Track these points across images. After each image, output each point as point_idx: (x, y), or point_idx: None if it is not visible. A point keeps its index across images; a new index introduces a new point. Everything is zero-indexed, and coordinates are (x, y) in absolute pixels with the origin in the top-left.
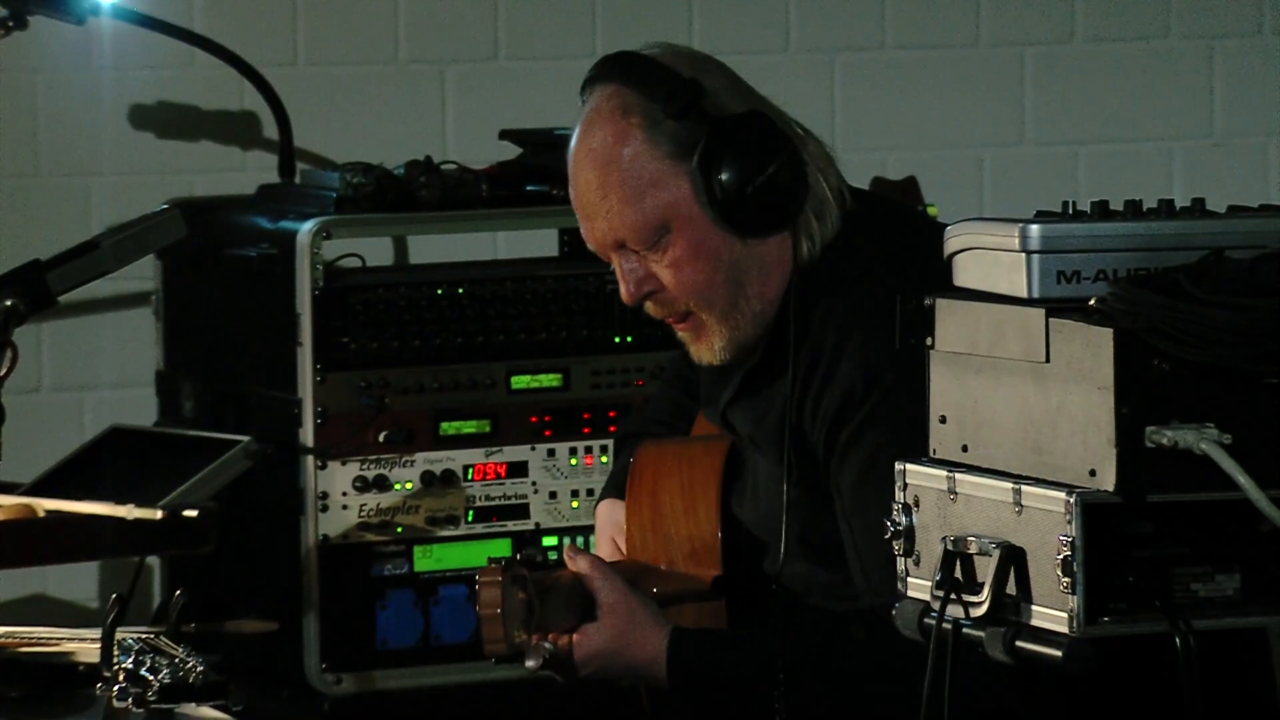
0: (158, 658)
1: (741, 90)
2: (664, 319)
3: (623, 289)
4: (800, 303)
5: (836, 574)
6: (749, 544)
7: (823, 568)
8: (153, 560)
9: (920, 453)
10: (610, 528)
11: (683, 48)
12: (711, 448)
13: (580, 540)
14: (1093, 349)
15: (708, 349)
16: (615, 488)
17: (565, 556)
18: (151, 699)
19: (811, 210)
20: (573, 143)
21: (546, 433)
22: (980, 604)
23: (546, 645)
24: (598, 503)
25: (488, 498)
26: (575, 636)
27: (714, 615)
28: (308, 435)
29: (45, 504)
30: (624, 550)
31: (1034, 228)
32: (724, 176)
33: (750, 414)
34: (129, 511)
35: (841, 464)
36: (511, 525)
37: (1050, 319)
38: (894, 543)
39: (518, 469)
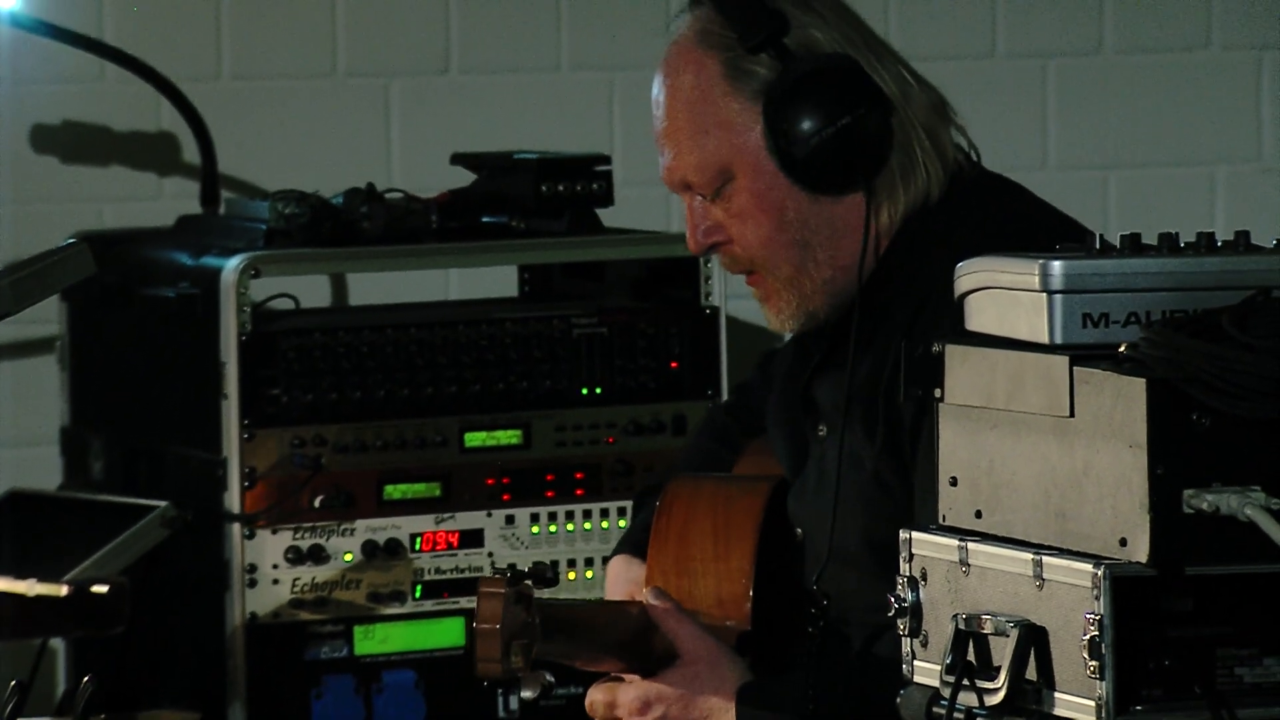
0: None
1: (848, 34)
2: (735, 274)
3: (689, 235)
4: (902, 252)
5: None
6: (793, 583)
7: (882, 579)
8: (57, 642)
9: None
10: (626, 585)
11: None
12: (752, 488)
13: None
14: (1124, 402)
15: (775, 314)
16: (632, 545)
17: (647, 597)
18: None
19: (897, 171)
20: (656, 71)
21: (504, 497)
22: (996, 691)
23: (549, 677)
24: (610, 557)
25: (438, 571)
26: (639, 678)
27: None
28: (233, 500)
29: None
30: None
31: (1057, 264)
32: (791, 123)
33: (837, 385)
34: (29, 587)
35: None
36: (465, 602)
37: (1075, 368)
38: (899, 621)
39: (472, 538)
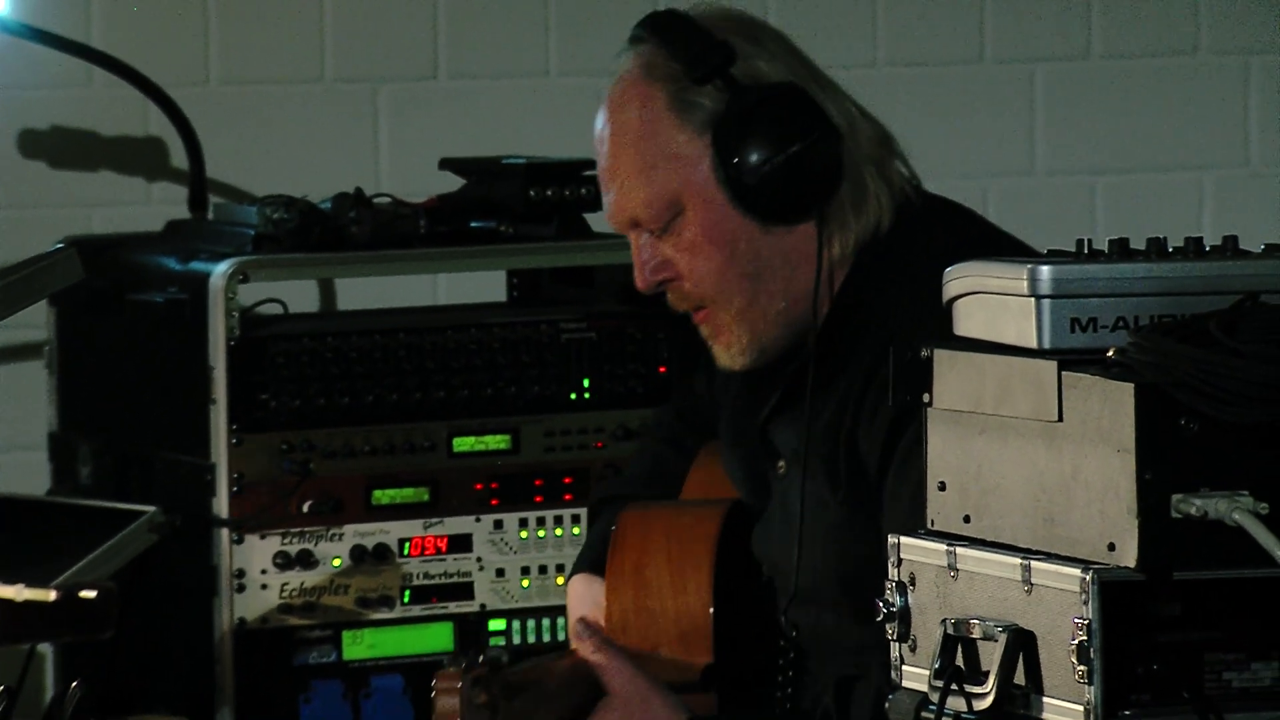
0: None
1: (793, 65)
2: (682, 311)
3: (636, 274)
4: (860, 284)
5: (867, 627)
6: (755, 611)
7: (856, 614)
8: (45, 648)
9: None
10: (586, 607)
11: (737, 11)
12: (705, 514)
13: (540, 623)
14: (1112, 406)
15: (725, 350)
16: (590, 561)
17: (572, 634)
18: None
19: (848, 201)
20: (600, 107)
21: (493, 501)
22: (985, 695)
23: None
24: (570, 577)
25: (426, 576)
26: None
27: (702, 708)
28: (222, 505)
29: None
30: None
31: (1045, 269)
32: (740, 152)
33: (795, 427)
34: (18, 592)
35: (901, 474)
36: (453, 607)
37: (1064, 372)
38: (887, 626)
39: (460, 543)
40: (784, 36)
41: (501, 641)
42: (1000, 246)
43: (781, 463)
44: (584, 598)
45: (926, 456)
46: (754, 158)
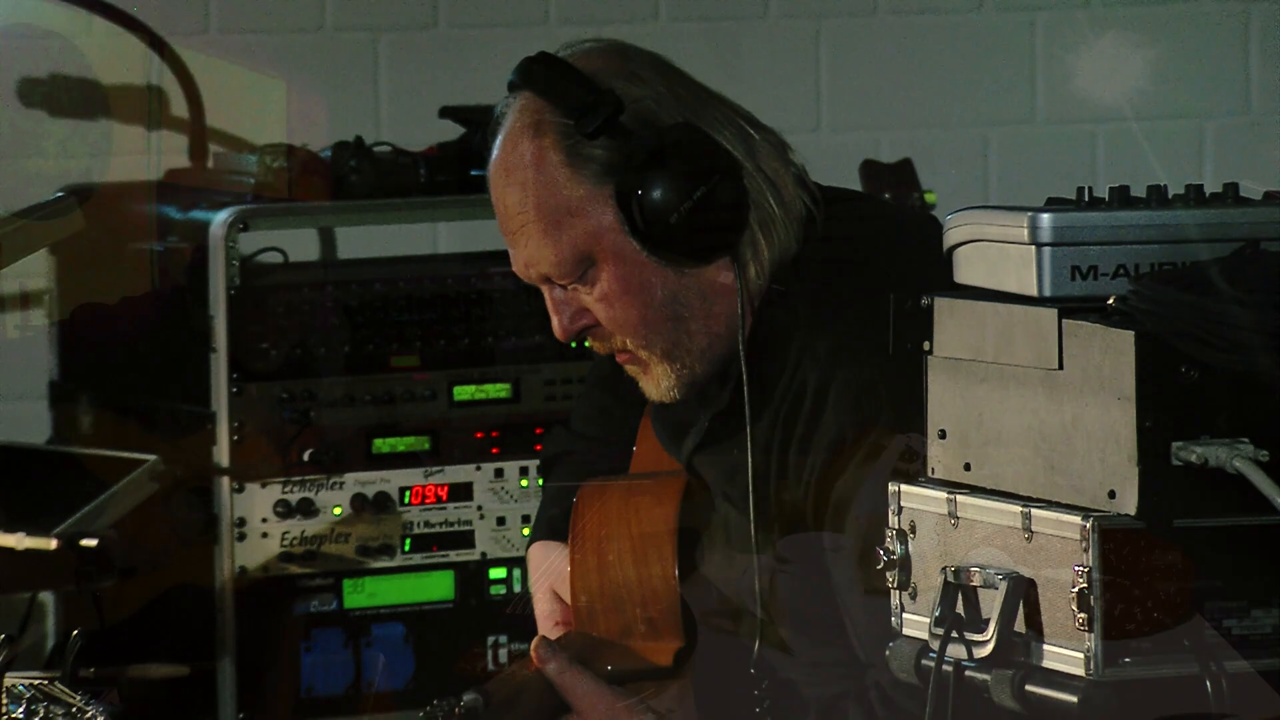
0: (52, 706)
1: (679, 95)
2: (606, 353)
3: (555, 323)
4: (765, 333)
5: (822, 649)
6: (718, 602)
7: (808, 639)
8: (46, 596)
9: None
10: (549, 577)
11: (613, 45)
12: (662, 493)
13: None
14: (1112, 354)
15: (655, 387)
16: (549, 528)
17: (534, 655)
18: None
19: (757, 226)
20: (492, 155)
21: (494, 450)
22: (985, 643)
23: None
24: (529, 545)
25: (427, 524)
26: None
27: (678, 692)
28: (222, 454)
29: None
30: (568, 601)
31: (1045, 217)
32: (647, 203)
33: (722, 465)
34: (19, 541)
35: (838, 530)
36: (454, 555)
37: (1064, 320)
38: (888, 574)
39: (461, 491)
40: (659, 59)
41: (502, 590)
42: (908, 256)
43: (715, 493)
44: (543, 565)
45: (927, 405)
46: (662, 208)
